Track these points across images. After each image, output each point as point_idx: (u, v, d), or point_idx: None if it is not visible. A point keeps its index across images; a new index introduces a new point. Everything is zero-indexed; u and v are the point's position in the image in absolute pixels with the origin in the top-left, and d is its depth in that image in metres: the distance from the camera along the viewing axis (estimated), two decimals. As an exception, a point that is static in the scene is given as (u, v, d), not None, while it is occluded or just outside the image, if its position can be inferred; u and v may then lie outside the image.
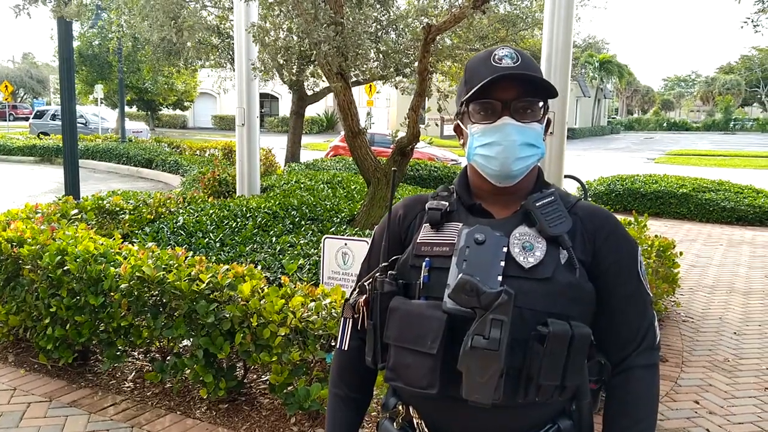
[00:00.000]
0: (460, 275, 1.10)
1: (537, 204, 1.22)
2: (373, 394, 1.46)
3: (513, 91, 1.22)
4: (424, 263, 1.23)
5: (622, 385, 1.24)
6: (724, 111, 58.84)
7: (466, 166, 1.36)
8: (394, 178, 1.43)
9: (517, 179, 1.25)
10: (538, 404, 1.17)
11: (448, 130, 33.47)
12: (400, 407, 1.28)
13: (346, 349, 1.36)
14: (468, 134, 1.28)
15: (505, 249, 1.18)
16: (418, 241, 1.27)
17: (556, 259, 1.18)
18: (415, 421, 1.25)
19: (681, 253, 5.82)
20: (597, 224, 1.25)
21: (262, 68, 5.37)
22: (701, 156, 28.00)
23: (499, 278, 1.14)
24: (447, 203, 1.29)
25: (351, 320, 1.35)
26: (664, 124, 61.67)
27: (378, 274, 1.29)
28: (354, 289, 1.36)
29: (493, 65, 1.22)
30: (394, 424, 1.28)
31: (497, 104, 1.22)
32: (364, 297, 1.30)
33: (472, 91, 1.21)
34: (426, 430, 1.24)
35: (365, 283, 1.32)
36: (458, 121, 1.33)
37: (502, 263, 1.16)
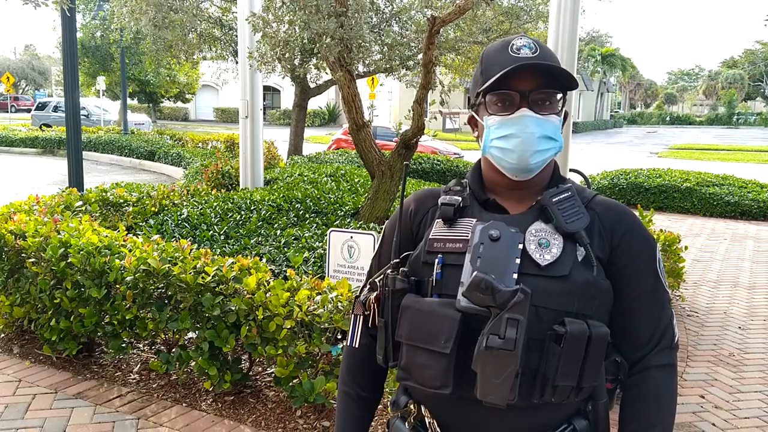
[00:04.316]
0: (475, 273, 1.07)
1: (553, 199, 1.19)
2: (383, 392, 1.44)
3: (532, 82, 1.18)
4: (436, 260, 1.20)
5: (638, 386, 1.21)
6: (728, 105, 58.66)
7: (479, 160, 1.32)
8: (405, 172, 1.41)
9: (534, 173, 1.22)
10: (553, 405, 1.15)
11: (450, 123, 33.43)
12: (412, 406, 1.25)
13: (356, 346, 1.34)
14: (484, 126, 1.24)
15: (520, 246, 1.15)
16: (430, 237, 1.24)
17: (573, 256, 1.15)
18: (427, 420, 1.23)
19: (686, 248, 5.80)
20: (615, 220, 1.22)
21: (260, 59, 5.34)
22: (704, 150, 27.92)
23: (515, 276, 1.12)
24: (460, 198, 1.25)
25: (361, 317, 1.32)
26: (667, 118, 61.55)
27: (389, 270, 1.26)
28: (364, 286, 1.33)
29: (511, 55, 1.18)
30: (406, 423, 1.25)
31: (515, 95, 1.18)
32: (375, 294, 1.27)
33: (490, 81, 1.17)
34: (438, 430, 1.21)
35: (376, 280, 1.28)
36: (473, 113, 1.29)
37: (518, 260, 1.13)
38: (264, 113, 8.51)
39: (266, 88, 38.41)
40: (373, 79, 18.89)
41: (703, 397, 3.72)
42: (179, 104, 41.29)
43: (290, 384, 3.09)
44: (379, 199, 5.45)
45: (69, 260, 3.55)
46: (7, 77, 26.19)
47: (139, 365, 3.77)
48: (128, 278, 3.36)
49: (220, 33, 11.43)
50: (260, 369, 3.67)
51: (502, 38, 1.23)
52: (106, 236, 3.78)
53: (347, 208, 5.74)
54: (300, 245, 4.54)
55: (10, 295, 3.91)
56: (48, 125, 23.75)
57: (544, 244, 1.16)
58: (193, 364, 3.33)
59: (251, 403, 3.33)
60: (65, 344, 3.68)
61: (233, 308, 3.10)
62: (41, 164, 16.36)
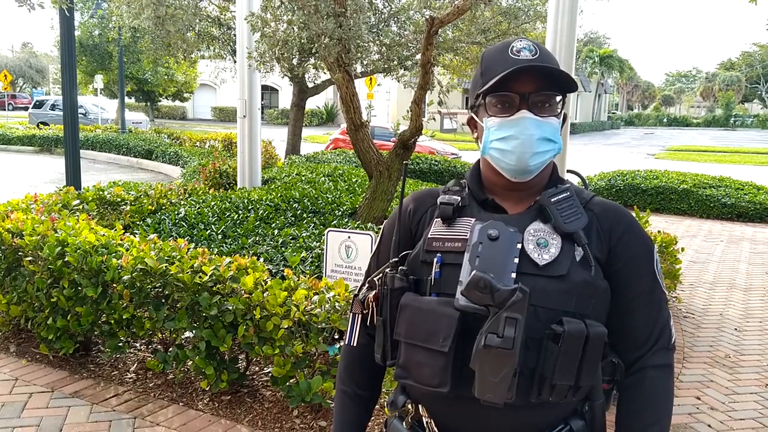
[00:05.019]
0: (474, 272, 1.08)
1: (552, 200, 1.20)
2: (381, 391, 1.44)
3: (532, 84, 1.19)
4: (435, 259, 1.20)
5: (635, 386, 1.22)
6: (725, 107, 58.76)
7: (478, 161, 1.33)
8: (404, 172, 1.41)
9: (532, 174, 1.23)
10: (550, 404, 1.15)
11: (448, 123, 33.43)
12: (410, 406, 1.26)
13: (354, 345, 1.34)
14: (483, 127, 1.24)
15: (519, 245, 1.16)
16: (429, 236, 1.25)
17: (571, 256, 1.16)
18: (424, 420, 1.23)
19: (683, 249, 5.82)
20: (613, 221, 1.22)
21: (259, 59, 5.34)
22: (701, 152, 27.97)
23: (513, 275, 1.12)
24: (459, 198, 1.26)
25: (360, 316, 1.32)
26: (665, 120, 61.65)
27: (388, 269, 1.26)
28: (363, 285, 1.34)
29: (512, 57, 1.19)
30: (404, 423, 1.26)
31: (515, 97, 1.19)
32: (373, 293, 1.28)
33: (490, 83, 1.18)
34: (436, 429, 1.22)
35: (375, 279, 1.29)
36: (472, 114, 1.29)
37: (516, 260, 1.14)
38: (262, 113, 8.51)
39: (264, 88, 38.52)
40: (371, 79, 18.88)
41: (699, 399, 3.73)
42: (177, 103, 41.24)
43: (287, 384, 3.09)
44: (377, 199, 5.45)
45: (66, 259, 3.54)
46: (5, 75, 26.13)
47: (135, 364, 3.77)
48: (125, 277, 3.35)
49: (219, 32, 11.41)
50: (257, 368, 3.67)
51: (500, 39, 1.24)
52: (103, 235, 3.78)
53: (345, 207, 5.74)
54: (297, 245, 4.54)
55: (7, 293, 3.90)
56: (45, 123, 23.71)
57: (542, 244, 1.17)
58: (190, 363, 3.33)
59: (248, 402, 3.33)
60: (62, 343, 3.67)
61: (230, 308, 3.10)
62: (38, 162, 16.32)
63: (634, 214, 5.70)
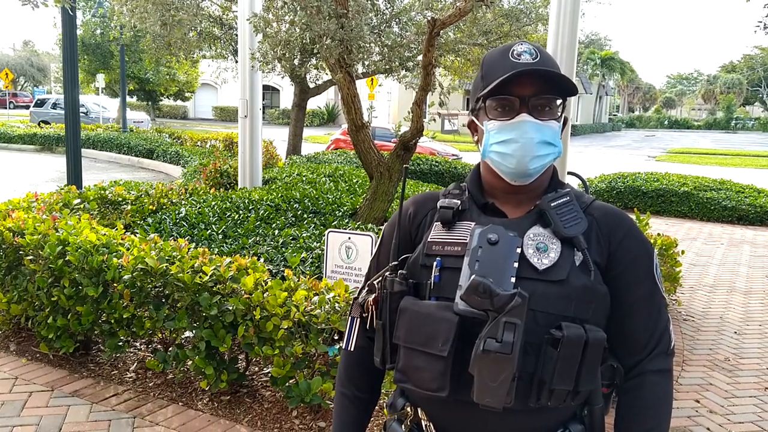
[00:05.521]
0: (473, 276, 1.07)
1: (552, 204, 1.20)
2: (380, 393, 1.45)
3: (532, 87, 1.19)
4: (434, 263, 1.20)
5: (634, 391, 1.22)
6: (726, 110, 58.77)
7: (478, 164, 1.33)
8: (405, 175, 1.42)
9: (532, 178, 1.23)
10: (549, 408, 1.15)
11: (449, 125, 33.46)
12: (409, 409, 1.26)
13: (352, 350, 1.34)
14: (483, 131, 1.25)
15: (518, 250, 1.16)
16: (428, 239, 1.25)
17: (570, 260, 1.16)
18: (423, 423, 1.23)
19: (683, 252, 5.82)
20: (612, 225, 1.22)
21: (262, 59, 5.35)
22: (702, 155, 27.98)
23: (513, 280, 1.12)
24: (459, 201, 1.26)
25: (359, 320, 1.32)
26: (666, 122, 61.68)
27: (388, 273, 1.26)
28: (363, 288, 1.34)
29: (512, 61, 1.19)
30: (402, 426, 1.26)
31: (515, 101, 1.19)
32: (373, 296, 1.28)
33: (490, 86, 1.18)
34: None
35: (374, 282, 1.29)
36: (473, 118, 1.30)
37: (516, 264, 1.14)
38: (263, 113, 8.52)
39: (265, 88, 38.49)
40: (372, 79, 18.90)
41: (698, 402, 3.73)
42: (178, 102, 41.29)
43: (287, 384, 3.10)
44: (378, 199, 5.46)
45: (67, 258, 3.55)
46: (6, 73, 26.15)
47: (135, 364, 3.77)
48: (126, 277, 3.36)
49: (220, 32, 11.42)
50: (257, 369, 3.67)
51: (502, 40, 1.24)
52: (104, 234, 3.78)
53: (345, 208, 5.74)
54: (298, 245, 4.54)
55: (8, 292, 3.91)
56: (47, 122, 23.72)
57: (542, 249, 1.17)
58: (190, 363, 3.33)
59: (247, 402, 3.33)
60: (62, 342, 3.68)
61: (230, 308, 3.11)
62: (39, 161, 16.33)
63: (634, 217, 5.64)
